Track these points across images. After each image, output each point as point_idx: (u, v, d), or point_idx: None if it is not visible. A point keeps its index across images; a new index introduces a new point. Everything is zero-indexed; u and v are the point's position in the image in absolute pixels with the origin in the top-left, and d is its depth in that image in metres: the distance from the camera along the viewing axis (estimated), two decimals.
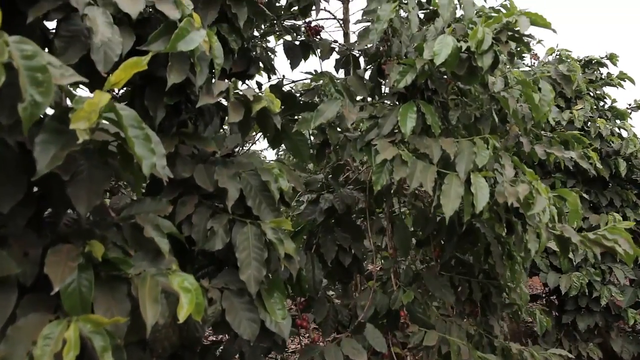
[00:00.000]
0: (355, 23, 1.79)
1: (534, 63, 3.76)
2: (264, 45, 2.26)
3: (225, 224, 1.32)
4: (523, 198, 1.25)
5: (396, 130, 1.47)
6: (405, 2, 1.52)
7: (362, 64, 1.95)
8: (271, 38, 2.41)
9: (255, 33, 2.17)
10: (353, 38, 2.40)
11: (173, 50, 1.13)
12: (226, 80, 1.30)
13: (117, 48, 1.07)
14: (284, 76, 1.95)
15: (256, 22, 1.75)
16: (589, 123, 3.26)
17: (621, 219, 3.21)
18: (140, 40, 1.19)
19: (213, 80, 1.30)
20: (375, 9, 1.48)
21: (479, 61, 1.28)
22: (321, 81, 1.85)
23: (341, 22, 2.41)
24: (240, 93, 1.29)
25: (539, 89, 1.53)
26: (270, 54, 2.35)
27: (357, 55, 1.92)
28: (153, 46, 1.14)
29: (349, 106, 1.49)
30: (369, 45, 1.56)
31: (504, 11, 2.12)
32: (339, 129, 1.64)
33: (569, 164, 2.94)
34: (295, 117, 2.06)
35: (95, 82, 1.18)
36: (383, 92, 1.74)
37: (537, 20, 1.29)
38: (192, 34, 1.16)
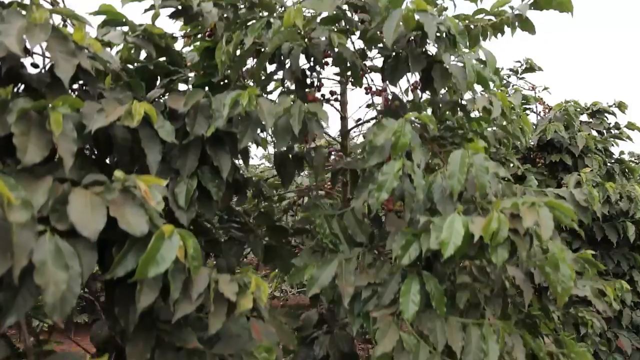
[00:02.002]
0: (350, 150, 1.62)
1: (541, 112, 3.60)
2: None
3: None
4: None
5: (397, 296, 1.33)
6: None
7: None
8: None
9: None
10: (351, 123, 2.24)
11: (142, 277, 0.97)
12: (207, 274, 1.15)
13: (75, 285, 0.92)
14: (276, 205, 1.79)
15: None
16: (597, 187, 3.11)
17: (628, 287, 3.10)
18: (107, 248, 1.04)
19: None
20: (374, 170, 1.32)
21: (492, 256, 1.13)
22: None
23: (339, 102, 2.24)
24: (222, 290, 1.13)
25: (557, 248, 1.38)
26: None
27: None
28: (119, 270, 0.98)
29: (346, 273, 1.35)
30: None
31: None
32: None
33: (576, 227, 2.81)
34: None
35: None
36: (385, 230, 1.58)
37: (560, 211, 1.13)
38: (163, 249, 1.00)
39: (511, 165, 2.80)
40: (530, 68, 3.50)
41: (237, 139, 1.39)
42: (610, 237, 3.12)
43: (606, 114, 3.55)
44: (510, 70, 3.59)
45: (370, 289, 1.35)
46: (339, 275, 1.33)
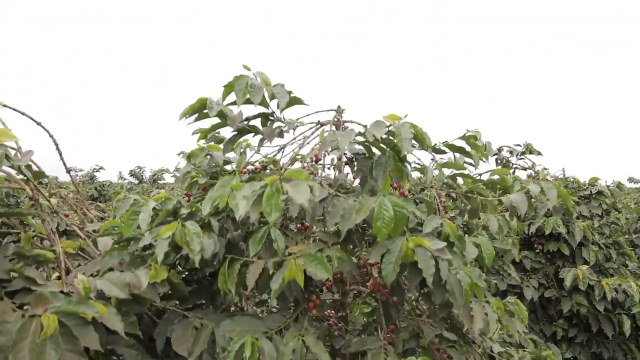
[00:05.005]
0: None
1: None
2: None
3: None
4: None
5: None
6: None
7: None
8: None
9: None
10: None
11: None
12: None
13: None
14: None
15: None
16: (594, 283, 3.15)
17: None
18: None
19: None
20: None
21: None
22: None
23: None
24: None
25: None
26: None
27: None
28: None
29: None
30: None
31: None
32: None
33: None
34: None
35: None
36: None
37: None
38: None
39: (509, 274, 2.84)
40: (529, 152, 3.51)
41: None
42: (606, 330, 3.17)
43: (603, 197, 3.57)
44: (510, 152, 3.60)
45: None
46: None
